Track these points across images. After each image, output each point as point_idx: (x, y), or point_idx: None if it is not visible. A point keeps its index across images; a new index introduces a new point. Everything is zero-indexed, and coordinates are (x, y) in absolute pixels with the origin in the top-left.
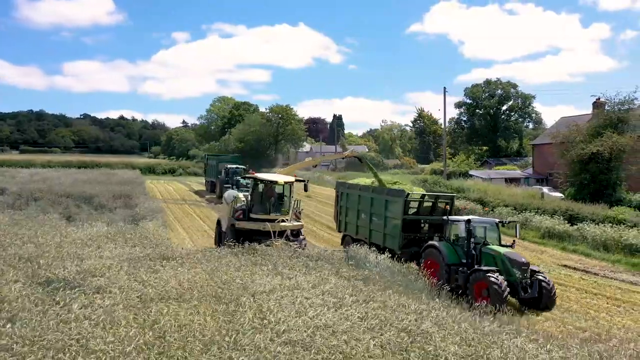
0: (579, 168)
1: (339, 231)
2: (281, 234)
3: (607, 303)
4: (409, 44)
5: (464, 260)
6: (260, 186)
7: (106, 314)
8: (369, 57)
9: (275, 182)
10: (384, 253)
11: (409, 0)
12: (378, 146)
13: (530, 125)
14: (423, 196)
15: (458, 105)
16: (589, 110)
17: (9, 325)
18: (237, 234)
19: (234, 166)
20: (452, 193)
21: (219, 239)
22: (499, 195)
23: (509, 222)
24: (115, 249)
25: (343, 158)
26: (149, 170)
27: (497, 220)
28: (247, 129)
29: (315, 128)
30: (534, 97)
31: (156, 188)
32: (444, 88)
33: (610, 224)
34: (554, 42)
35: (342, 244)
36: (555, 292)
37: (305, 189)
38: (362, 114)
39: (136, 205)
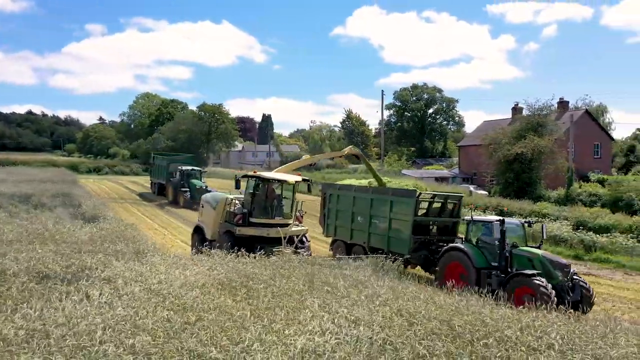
0: (504, 167)
1: (327, 236)
2: (287, 239)
3: None
4: (332, 46)
5: (494, 263)
6: (262, 187)
7: (134, 300)
8: (293, 58)
9: (285, 182)
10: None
11: (332, 3)
12: (308, 146)
13: (453, 128)
14: (434, 196)
15: (388, 107)
16: (502, 114)
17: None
18: (236, 241)
19: (189, 168)
20: (459, 194)
21: (200, 248)
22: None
23: (536, 222)
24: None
25: (342, 156)
26: (72, 169)
27: (524, 220)
28: (178, 127)
29: (243, 127)
30: (457, 101)
31: (89, 187)
32: (382, 91)
33: (536, 218)
34: (466, 50)
35: (330, 249)
36: (594, 294)
37: (309, 190)
38: (286, 114)
39: (79, 205)
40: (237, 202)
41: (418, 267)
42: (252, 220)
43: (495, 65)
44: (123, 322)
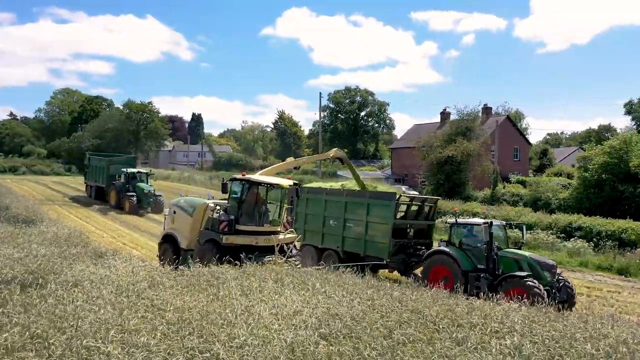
0: (436, 169)
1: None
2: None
3: None
4: (261, 46)
5: (480, 266)
6: (251, 192)
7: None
8: (221, 57)
9: (279, 186)
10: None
11: (262, 4)
12: (240, 147)
13: (385, 130)
14: (412, 199)
15: (322, 109)
16: (426, 118)
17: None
18: (222, 251)
19: (135, 170)
20: (436, 197)
21: (174, 258)
22: None
23: (517, 224)
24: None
25: (328, 159)
26: None
27: (505, 222)
28: (104, 125)
29: (172, 126)
30: (388, 104)
31: (10, 188)
32: (320, 93)
33: (467, 217)
34: (392, 54)
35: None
36: (575, 293)
37: (298, 195)
38: (214, 114)
39: (7, 207)
40: (217, 207)
41: (385, 271)
42: (239, 227)
43: (419, 70)
44: (118, 325)
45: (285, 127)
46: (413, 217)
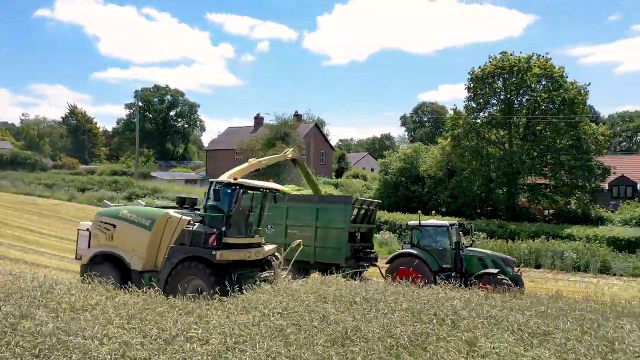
0: (258, 172)
1: None
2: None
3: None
4: (35, 29)
5: (446, 266)
6: (239, 199)
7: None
8: None
9: (281, 191)
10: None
11: None
12: (21, 143)
13: (198, 132)
14: (363, 202)
15: (128, 106)
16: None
17: None
18: (216, 270)
19: None
20: (376, 200)
21: (121, 282)
22: (194, 194)
23: (468, 223)
24: None
25: (286, 159)
26: None
27: (456, 223)
28: None
29: None
30: (199, 105)
31: None
32: (136, 91)
33: None
34: (187, 53)
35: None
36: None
37: (275, 201)
38: None
39: None
40: (189, 218)
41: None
42: (227, 240)
43: (216, 72)
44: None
45: (78, 123)
46: (361, 221)
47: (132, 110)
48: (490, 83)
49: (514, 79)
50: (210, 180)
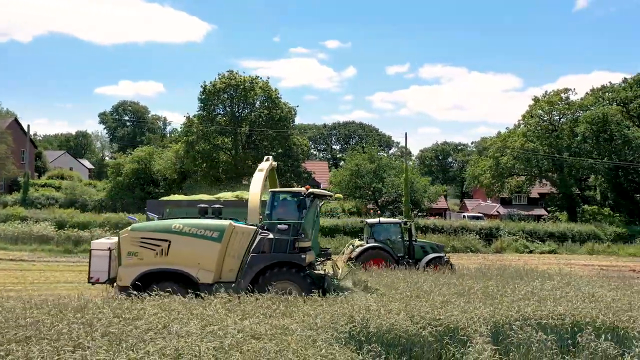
0: None
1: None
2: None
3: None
4: None
5: (400, 254)
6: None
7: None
8: None
9: (331, 197)
10: None
11: None
12: None
13: None
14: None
15: None
16: None
17: None
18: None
19: None
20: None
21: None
22: None
23: (412, 221)
24: None
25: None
26: None
27: (406, 220)
28: None
29: None
30: None
31: None
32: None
33: None
34: None
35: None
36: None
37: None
38: None
39: None
40: (253, 227)
41: None
42: (301, 245)
43: None
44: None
45: None
46: None
47: None
48: (219, 96)
49: (239, 95)
50: (271, 190)
